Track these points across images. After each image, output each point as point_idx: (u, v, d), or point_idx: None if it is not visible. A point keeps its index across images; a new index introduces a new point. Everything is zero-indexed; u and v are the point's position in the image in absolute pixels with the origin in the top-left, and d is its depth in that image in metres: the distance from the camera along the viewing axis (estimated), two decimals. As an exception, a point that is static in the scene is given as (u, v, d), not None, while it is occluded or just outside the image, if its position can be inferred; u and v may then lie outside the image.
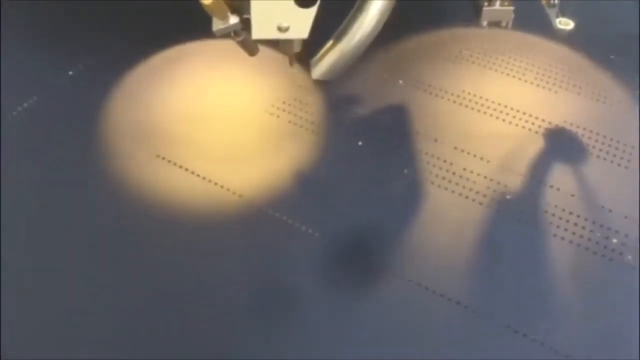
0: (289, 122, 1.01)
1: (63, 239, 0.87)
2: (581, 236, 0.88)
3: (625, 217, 0.90)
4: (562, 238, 0.87)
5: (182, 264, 0.85)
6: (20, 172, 0.94)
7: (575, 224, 0.89)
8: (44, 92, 1.05)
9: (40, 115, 1.02)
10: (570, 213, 0.90)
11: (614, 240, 0.87)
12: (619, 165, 0.96)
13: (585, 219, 0.89)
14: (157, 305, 0.81)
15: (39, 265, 0.84)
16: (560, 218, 0.89)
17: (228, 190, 0.92)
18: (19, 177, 0.93)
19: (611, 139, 0.99)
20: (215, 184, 0.93)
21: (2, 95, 1.03)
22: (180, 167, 0.94)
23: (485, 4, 0.86)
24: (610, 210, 0.90)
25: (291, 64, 0.91)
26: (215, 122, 1.01)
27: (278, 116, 1.02)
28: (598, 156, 0.97)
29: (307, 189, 0.94)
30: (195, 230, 0.88)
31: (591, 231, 0.88)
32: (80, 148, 0.97)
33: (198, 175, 0.93)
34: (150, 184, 0.93)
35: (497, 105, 1.04)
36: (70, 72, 1.08)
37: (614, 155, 0.97)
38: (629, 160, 0.97)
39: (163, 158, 0.96)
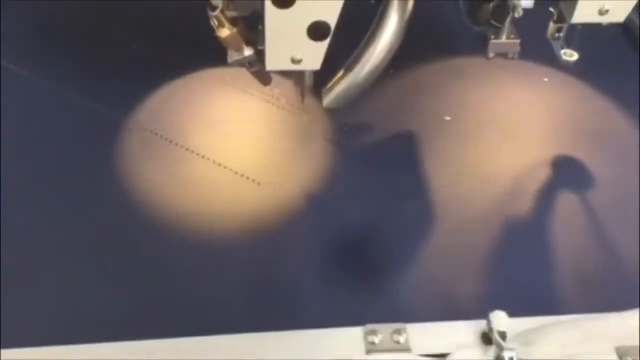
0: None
1: (64, 239, 0.90)
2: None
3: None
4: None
5: (182, 262, 0.88)
6: (23, 175, 0.97)
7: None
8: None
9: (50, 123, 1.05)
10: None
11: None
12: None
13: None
14: (158, 306, 0.83)
15: (40, 264, 0.86)
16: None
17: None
18: (21, 178, 0.97)
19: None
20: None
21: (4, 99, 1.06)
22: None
23: (492, 36, 0.88)
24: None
25: (302, 101, 0.94)
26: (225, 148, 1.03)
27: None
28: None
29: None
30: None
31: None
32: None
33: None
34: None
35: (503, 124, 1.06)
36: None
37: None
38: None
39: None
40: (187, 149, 1.01)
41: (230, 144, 1.03)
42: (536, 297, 0.86)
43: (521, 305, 0.83)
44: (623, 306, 0.80)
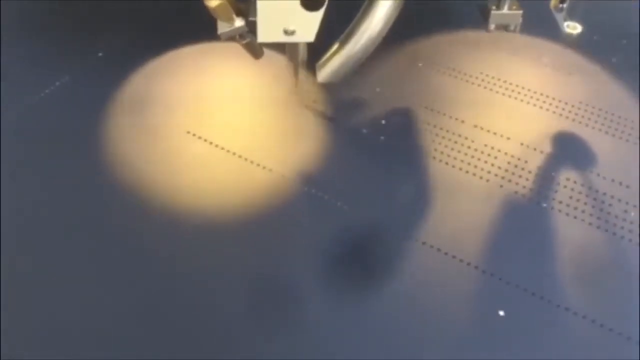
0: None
1: (64, 234, 0.86)
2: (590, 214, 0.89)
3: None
4: (575, 217, 0.88)
5: (182, 261, 0.84)
6: (23, 168, 0.94)
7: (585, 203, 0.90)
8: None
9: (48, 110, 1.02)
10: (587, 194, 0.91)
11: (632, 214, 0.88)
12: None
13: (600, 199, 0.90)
14: (158, 305, 0.80)
15: (40, 264, 0.83)
16: (578, 200, 0.90)
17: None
18: (22, 173, 0.93)
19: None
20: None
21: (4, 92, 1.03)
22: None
23: (494, 7, 0.85)
24: (627, 186, 0.91)
25: (296, 78, 0.91)
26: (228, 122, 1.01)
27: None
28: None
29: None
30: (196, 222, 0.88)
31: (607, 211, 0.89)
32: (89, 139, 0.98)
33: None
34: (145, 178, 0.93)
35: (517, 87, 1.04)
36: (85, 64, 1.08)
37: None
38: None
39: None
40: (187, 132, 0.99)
41: (223, 123, 1.00)
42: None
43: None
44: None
